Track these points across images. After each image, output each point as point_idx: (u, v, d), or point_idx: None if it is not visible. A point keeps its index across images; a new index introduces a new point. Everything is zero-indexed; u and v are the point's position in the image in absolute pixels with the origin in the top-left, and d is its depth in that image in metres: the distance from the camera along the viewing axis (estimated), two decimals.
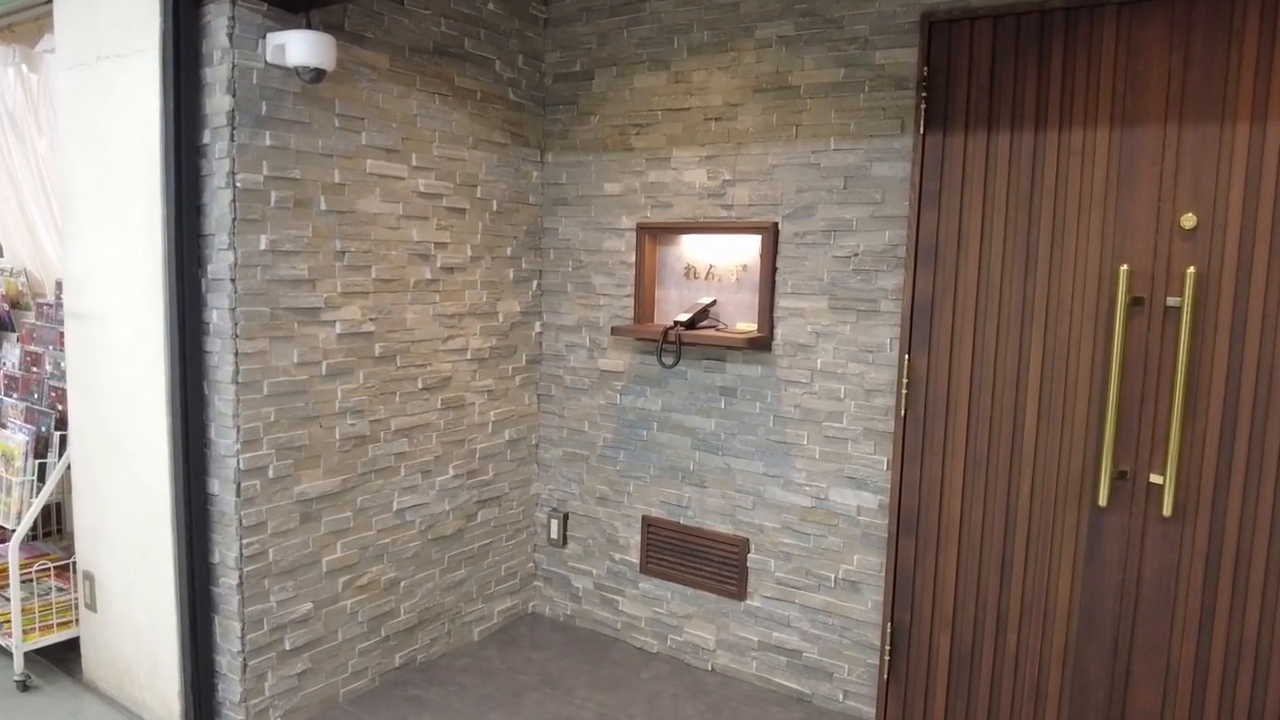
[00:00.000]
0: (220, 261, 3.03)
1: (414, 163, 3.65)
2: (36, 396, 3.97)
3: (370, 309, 3.50)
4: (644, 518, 4.10)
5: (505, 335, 4.14)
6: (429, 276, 3.77)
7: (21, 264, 4.65)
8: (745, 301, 3.78)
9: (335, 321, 3.37)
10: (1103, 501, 3.02)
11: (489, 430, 4.12)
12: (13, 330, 4.54)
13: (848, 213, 3.45)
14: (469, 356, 3.97)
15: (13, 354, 4.27)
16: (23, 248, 4.65)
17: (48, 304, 4.15)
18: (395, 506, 3.71)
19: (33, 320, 4.25)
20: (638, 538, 4.13)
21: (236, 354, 3.05)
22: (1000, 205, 3.16)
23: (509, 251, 4.15)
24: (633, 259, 4.02)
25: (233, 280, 3.01)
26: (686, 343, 3.66)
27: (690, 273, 3.92)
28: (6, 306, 4.59)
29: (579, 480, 4.29)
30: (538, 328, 4.33)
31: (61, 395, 3.80)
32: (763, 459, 3.73)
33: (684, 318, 3.74)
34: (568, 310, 4.24)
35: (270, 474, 3.21)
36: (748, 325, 3.77)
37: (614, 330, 3.84)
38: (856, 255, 3.46)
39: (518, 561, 4.41)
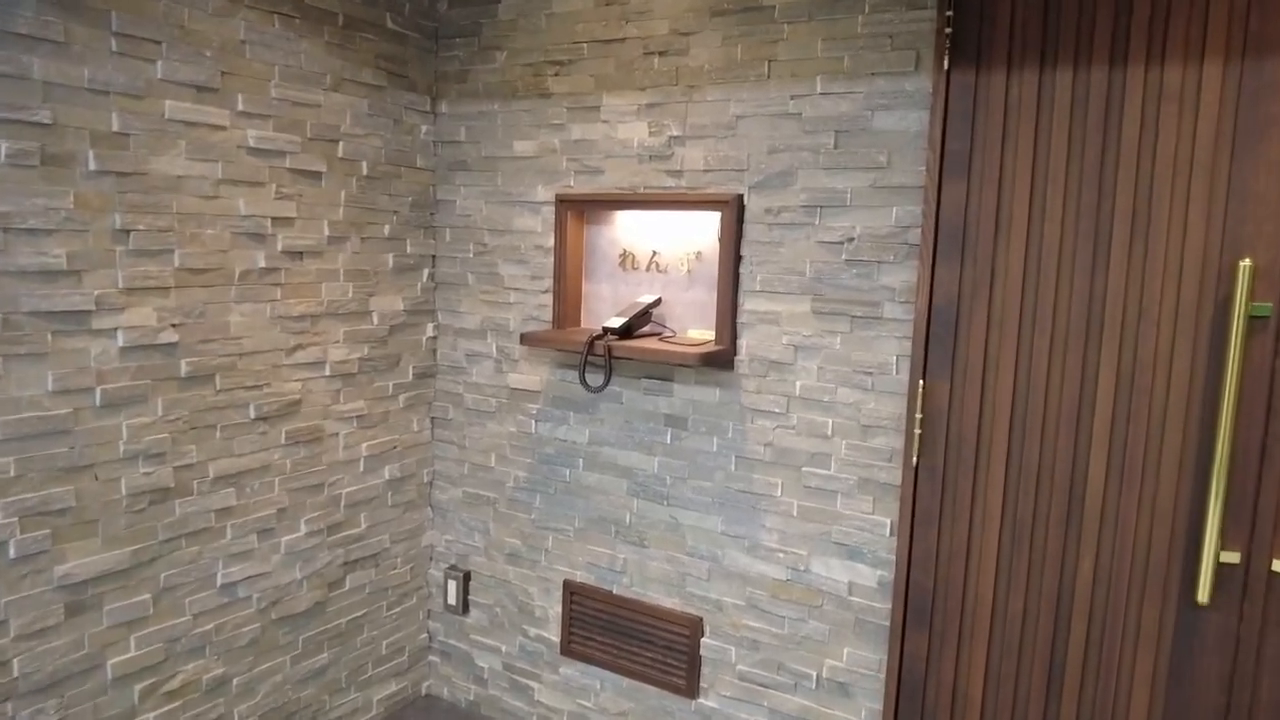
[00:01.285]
0: None
1: (240, 107, 2.67)
2: None
3: (172, 311, 2.52)
4: (566, 583, 3.17)
5: (383, 342, 3.18)
6: (264, 265, 2.79)
7: None
8: (699, 301, 2.87)
9: (116, 330, 2.39)
10: (1202, 596, 2.14)
11: (360, 469, 3.16)
12: None
13: (839, 181, 2.55)
14: (328, 372, 3.01)
15: None
16: None
17: None
18: (220, 581, 2.75)
19: None
20: (558, 608, 3.21)
21: None
22: (1058, 171, 2.26)
23: (387, 230, 3.18)
24: (550, 242, 3.08)
25: None
26: (619, 356, 2.75)
27: (627, 262, 3.00)
28: None
29: (484, 530, 3.34)
30: (430, 331, 3.37)
31: None
32: (721, 513, 2.83)
33: (616, 323, 2.81)
34: (469, 309, 3.27)
35: (10, 552, 2.24)
36: (702, 333, 2.86)
37: (524, 339, 2.91)
38: (851, 241, 2.56)
39: (405, 634, 3.46)
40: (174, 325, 2.53)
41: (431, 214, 3.30)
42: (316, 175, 2.88)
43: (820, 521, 2.65)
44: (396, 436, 3.26)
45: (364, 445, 3.14)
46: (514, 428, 3.20)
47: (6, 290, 2.15)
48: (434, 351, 3.36)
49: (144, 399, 2.46)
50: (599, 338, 2.77)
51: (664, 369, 2.87)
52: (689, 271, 2.87)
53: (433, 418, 3.39)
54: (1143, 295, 2.18)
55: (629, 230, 2.96)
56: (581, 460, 3.07)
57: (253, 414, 2.76)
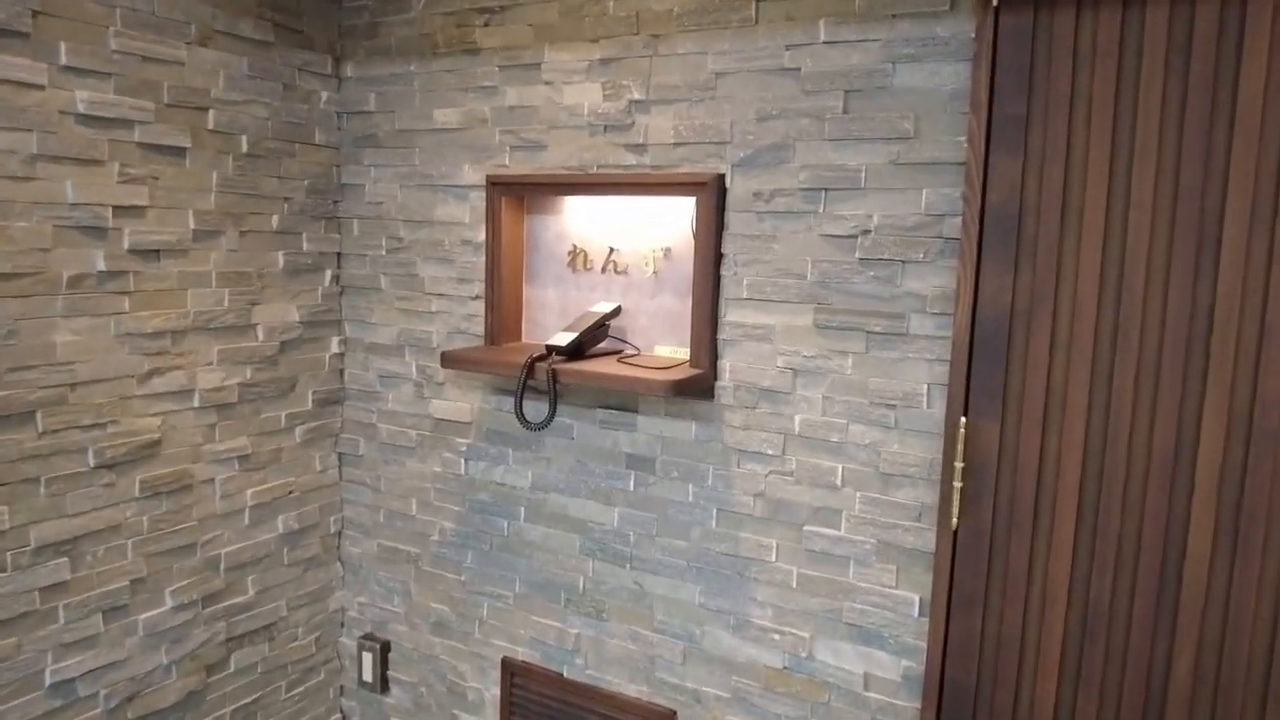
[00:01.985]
0: None
1: (64, 60, 2.03)
2: None
3: None
4: (505, 662, 2.54)
5: (272, 363, 2.53)
6: (104, 268, 2.14)
7: None
8: (669, 310, 2.26)
9: None
10: None
11: (244, 522, 2.51)
12: None
13: (850, 156, 1.95)
14: (197, 402, 2.35)
15: None
16: None
17: None
18: (50, 678, 2.12)
19: None
20: (495, 691, 2.59)
21: None
22: (1148, 142, 1.66)
23: (276, 222, 2.55)
24: (481, 236, 2.45)
25: None
26: (568, 383, 2.16)
27: (578, 261, 2.37)
28: None
29: (404, 593, 2.71)
30: (335, 347, 2.73)
31: None
32: (699, 580, 2.21)
33: (564, 340, 2.21)
34: (382, 319, 2.64)
35: None
36: (673, 351, 2.26)
37: (446, 359, 2.29)
38: (867, 234, 1.98)
39: (312, 718, 2.89)
40: None
41: (335, 201, 2.68)
42: (178, 152, 2.25)
43: (827, 595, 2.08)
44: (293, 479, 2.64)
45: (249, 492, 2.52)
46: (439, 467, 2.60)
47: None
48: (340, 372, 2.74)
49: None
50: (540, 358, 2.17)
51: (625, 396, 2.29)
52: (655, 273, 2.28)
53: (340, 454, 2.77)
54: (1265, 309, 1.63)
55: (580, 221, 2.35)
56: (523, 509, 2.47)
57: (91, 461, 2.13)
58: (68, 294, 2.05)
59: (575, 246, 2.35)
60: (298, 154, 2.53)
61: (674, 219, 2.22)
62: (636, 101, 2.17)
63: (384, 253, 2.59)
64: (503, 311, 2.40)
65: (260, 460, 2.52)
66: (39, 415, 2.01)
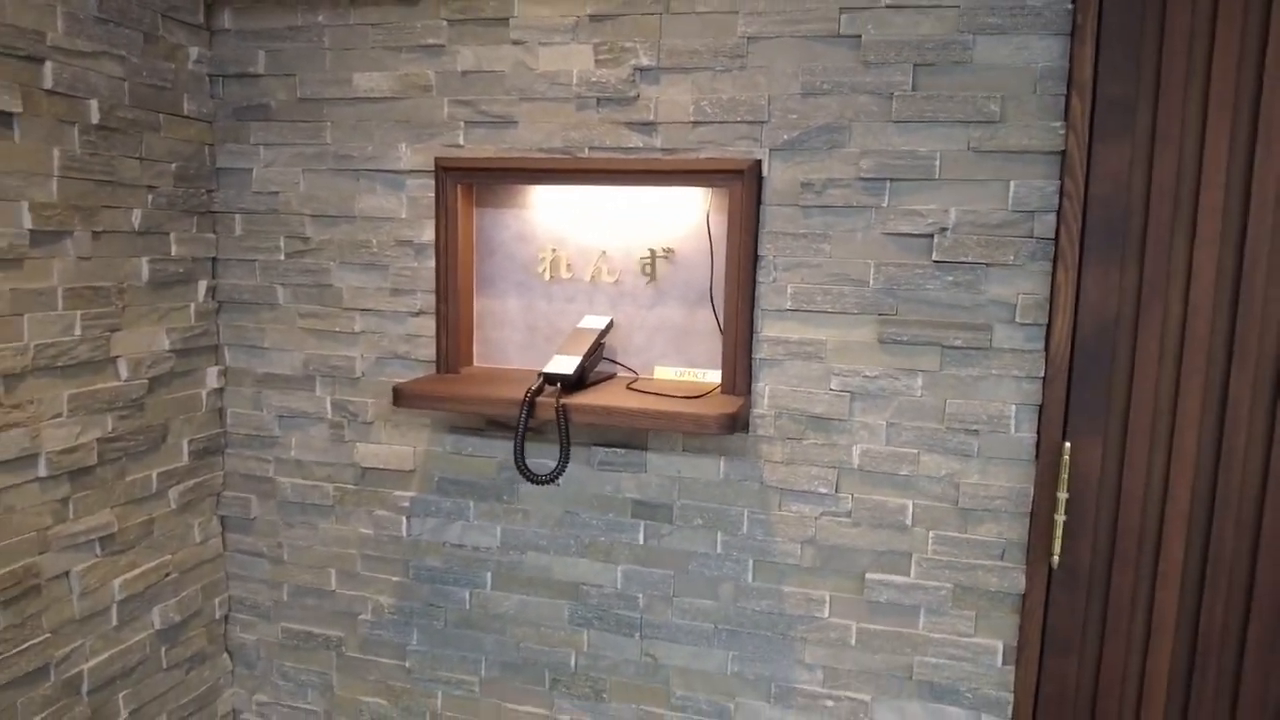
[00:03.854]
0: None
1: None
2: None
3: None
4: None
5: (138, 407, 1.84)
6: None
7: None
8: (670, 323, 1.83)
9: None
10: None
11: (110, 623, 1.82)
12: None
13: (921, 141, 1.62)
14: (43, 471, 1.65)
15: None
16: None
17: None
18: None
19: None
20: None
21: None
22: (1276, 127, 1.49)
23: (138, 219, 1.86)
24: (425, 235, 1.91)
25: None
26: (587, 423, 1.65)
27: (555, 267, 1.88)
28: None
29: (322, 686, 2.10)
30: (213, 380, 2.07)
31: None
32: (731, 645, 1.82)
33: (565, 367, 1.71)
34: (280, 342, 2.01)
35: None
36: (679, 373, 1.83)
37: (401, 396, 1.72)
38: (943, 232, 1.67)
39: None
40: None
41: (209, 191, 2.02)
42: (3, 121, 1.58)
43: (892, 650, 1.77)
44: (169, 556, 1.97)
45: (116, 583, 1.84)
46: (369, 529, 2.03)
47: None
48: (220, 413, 2.09)
49: None
50: (540, 391, 1.70)
51: (628, 432, 1.86)
52: (652, 280, 1.87)
53: (222, 517, 2.15)
54: None
55: (555, 216, 1.87)
56: (490, 575, 1.96)
57: None
58: None
59: (549, 250, 1.89)
60: (163, 127, 1.87)
61: (678, 214, 1.81)
62: (643, 69, 1.75)
63: (281, 257, 1.99)
64: (456, 332, 1.89)
65: (128, 538, 1.85)
66: None
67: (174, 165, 1.90)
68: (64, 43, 1.64)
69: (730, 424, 1.59)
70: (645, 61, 1.74)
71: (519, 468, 1.67)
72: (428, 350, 1.92)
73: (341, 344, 1.98)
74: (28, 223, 1.60)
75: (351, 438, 2.00)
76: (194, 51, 1.94)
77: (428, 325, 1.92)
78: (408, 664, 2.02)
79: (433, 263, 1.90)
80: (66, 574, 1.71)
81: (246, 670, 2.15)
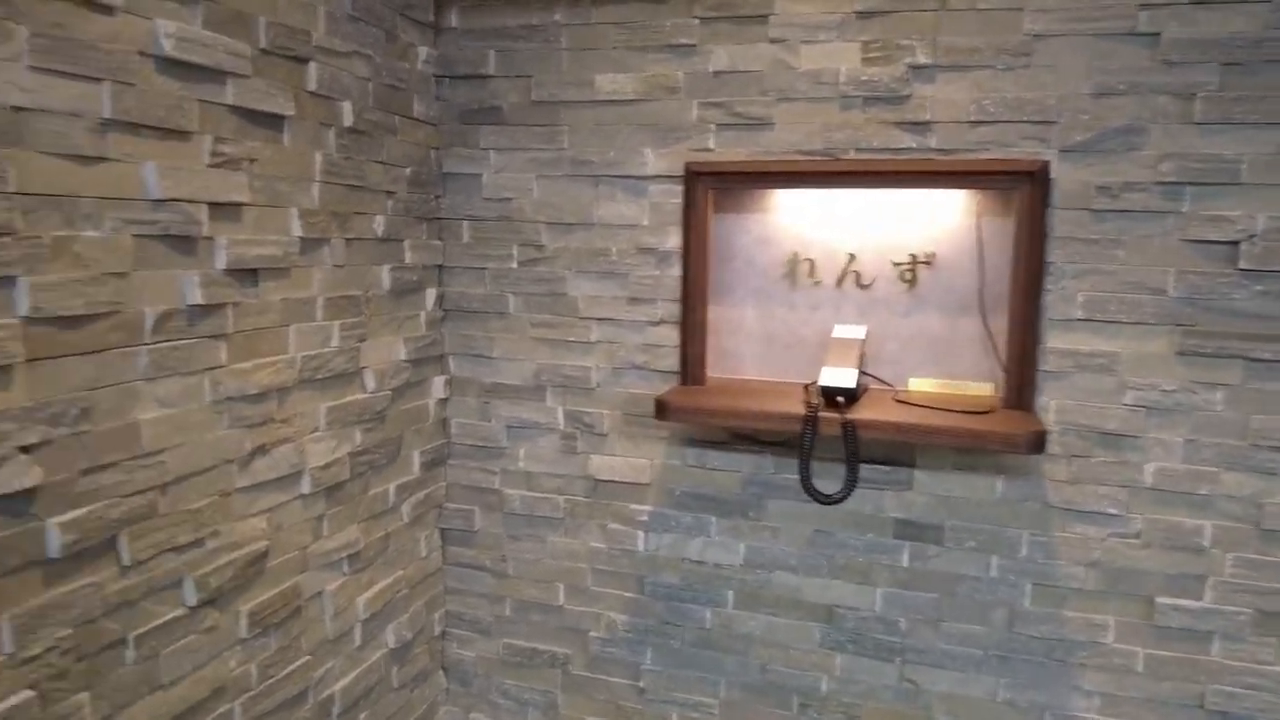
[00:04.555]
0: None
1: None
2: None
3: (21, 417, 1.04)
4: None
5: (380, 419, 1.75)
6: (200, 299, 1.35)
7: None
8: (930, 333, 1.70)
9: None
10: None
11: (355, 643, 1.72)
12: None
13: (1227, 144, 1.47)
14: (307, 488, 1.56)
15: None
16: None
17: None
18: None
19: None
20: None
21: None
22: None
23: (380, 225, 1.79)
24: (669, 242, 1.79)
25: None
26: (866, 435, 1.52)
27: (802, 271, 1.75)
28: None
29: (545, 705, 1.98)
30: (439, 390, 1.99)
31: None
32: (1002, 672, 1.69)
33: (844, 379, 1.57)
34: (509, 351, 1.90)
35: None
36: (939, 385, 1.69)
37: (665, 409, 1.61)
38: (1250, 239, 1.53)
39: None
40: (26, 450, 1.11)
41: (437, 197, 1.95)
42: (275, 123, 1.47)
43: (1183, 678, 1.63)
44: (400, 573, 1.87)
45: (361, 601, 1.75)
46: (601, 542, 1.92)
47: None
48: (444, 423, 2.02)
49: None
50: (820, 407, 1.56)
51: (893, 448, 1.71)
52: (911, 286, 1.75)
53: (443, 530, 2.06)
54: None
55: (800, 220, 1.75)
56: (733, 593, 1.85)
57: (192, 598, 1.33)
58: (153, 343, 1.25)
59: (795, 254, 1.78)
60: (399, 130, 1.78)
61: (938, 217, 1.68)
62: (917, 67, 1.62)
63: (514, 265, 1.88)
64: (700, 340, 1.79)
65: (369, 555, 1.75)
66: (123, 540, 1.22)
67: (408, 170, 1.80)
68: (325, 42, 1.54)
69: (1039, 443, 1.46)
70: (922, 59, 1.61)
71: (806, 488, 1.55)
72: (667, 361, 1.81)
73: (575, 354, 1.87)
74: (297, 230, 1.50)
75: (584, 449, 1.89)
76: (423, 51, 1.83)
77: (668, 335, 1.80)
78: (641, 684, 1.91)
79: (675, 271, 1.78)
80: (320, 594, 1.62)
81: (462, 688, 2.05)
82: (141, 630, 1.25)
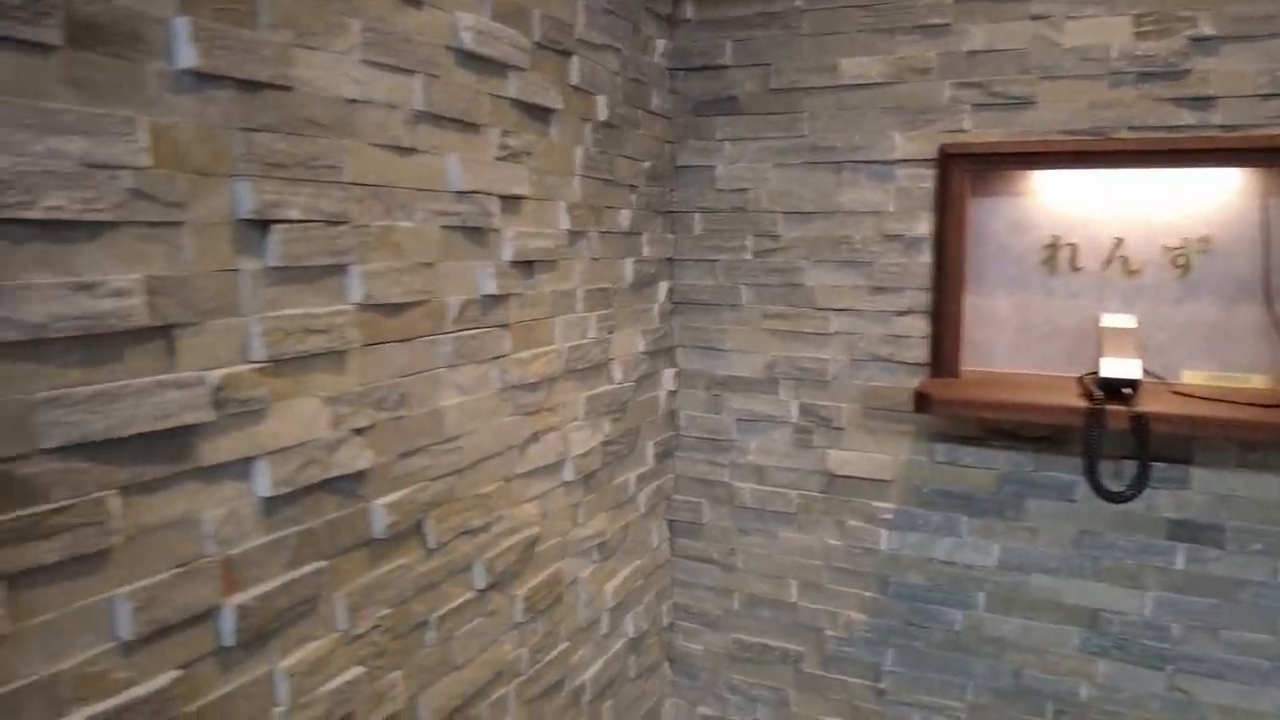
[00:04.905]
0: None
1: None
2: None
3: (354, 401, 1.06)
4: None
5: (623, 411, 1.75)
6: (494, 289, 1.37)
7: None
8: (1205, 321, 1.57)
9: (255, 461, 0.95)
10: None
11: (602, 631, 1.72)
12: None
13: None
14: (570, 474, 1.57)
15: None
16: None
17: None
18: None
19: None
20: None
21: None
22: None
23: (625, 220, 1.77)
24: (918, 228, 1.71)
25: None
26: (1159, 430, 1.42)
27: (1063, 257, 1.64)
28: None
29: (776, 703, 1.93)
30: (668, 383, 1.98)
31: None
32: None
33: (1128, 371, 1.46)
34: (740, 344, 1.87)
35: None
36: (1210, 377, 1.57)
37: (927, 402, 1.53)
38: None
39: None
40: (359, 431, 1.14)
41: (670, 190, 1.95)
42: (545, 116, 1.47)
43: None
44: (637, 563, 1.86)
45: (608, 590, 1.76)
46: (838, 539, 1.86)
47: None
48: (672, 415, 2.02)
49: (300, 610, 1.06)
50: (1104, 402, 1.47)
51: (1168, 443, 1.57)
52: (1184, 272, 1.63)
53: (670, 521, 2.06)
54: None
55: (1060, 203, 1.64)
56: (984, 595, 1.75)
57: (481, 581, 1.35)
58: (455, 331, 1.27)
59: (1055, 238, 1.69)
60: (641, 124, 1.77)
61: (1213, 198, 1.55)
62: (1199, 39, 1.51)
63: (748, 256, 1.85)
64: (954, 330, 1.71)
65: (613, 545, 1.75)
66: (428, 525, 1.24)
67: (647, 164, 1.79)
68: (585, 35, 1.54)
69: None
70: (1206, 30, 1.50)
71: (1094, 485, 1.46)
72: (914, 352, 1.74)
73: (811, 345, 1.82)
74: (565, 223, 1.51)
75: (820, 443, 1.84)
76: (660, 44, 1.82)
77: (915, 325, 1.73)
78: (881, 685, 1.85)
79: (924, 258, 1.71)
80: (575, 581, 1.62)
81: (688, 681, 2.03)
82: (441, 612, 1.26)
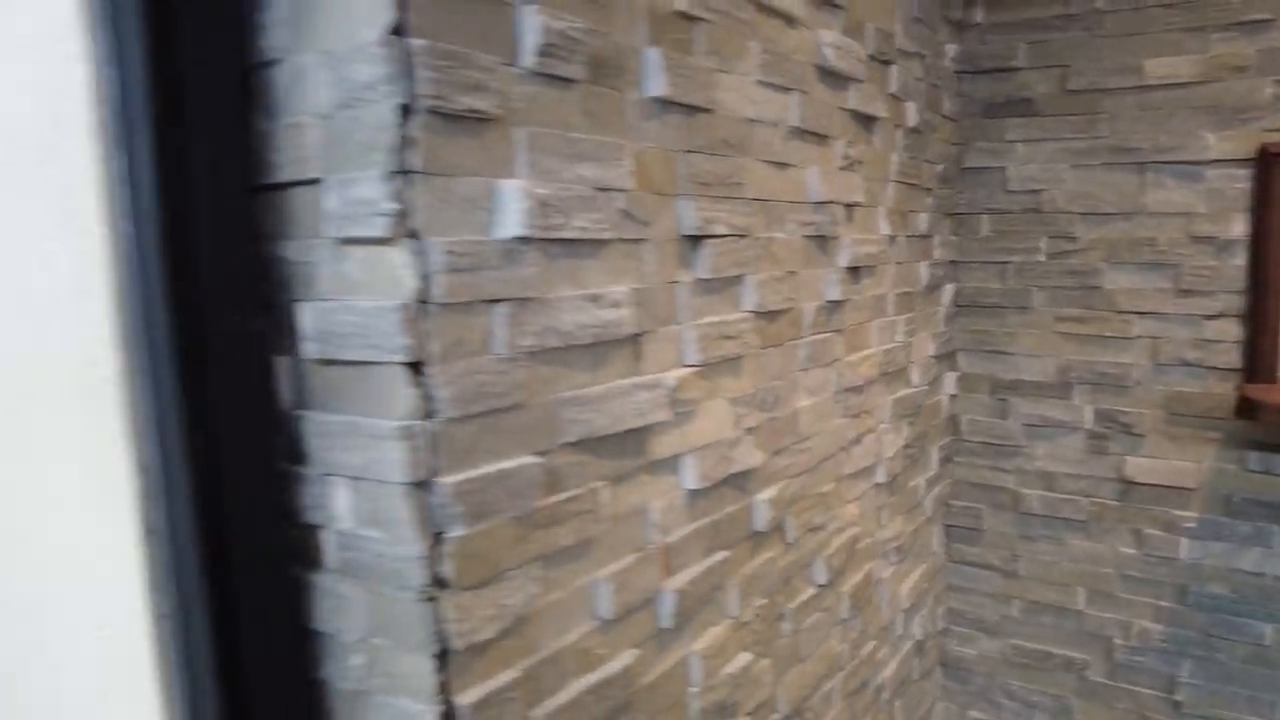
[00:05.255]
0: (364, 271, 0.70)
1: None
2: None
3: (747, 401, 1.14)
4: None
5: (916, 414, 1.75)
6: (836, 295, 1.40)
7: None
8: None
9: (681, 458, 1.04)
10: None
11: (897, 632, 1.73)
12: None
13: None
14: (881, 476, 1.58)
15: None
16: None
17: None
18: None
19: None
20: None
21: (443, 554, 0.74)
22: None
23: (923, 224, 1.78)
24: (1232, 230, 1.63)
25: (417, 313, 0.70)
26: None
27: None
28: None
29: (1057, 712, 1.90)
30: (950, 388, 1.97)
31: None
32: None
33: None
34: (1030, 347, 1.84)
35: None
36: None
37: (1252, 408, 1.51)
38: None
39: None
40: (750, 431, 1.20)
41: (958, 192, 1.95)
42: (870, 124, 1.48)
43: None
44: (923, 567, 1.86)
45: (902, 591, 1.77)
46: (1132, 548, 1.81)
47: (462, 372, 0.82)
48: (953, 420, 2.02)
49: (709, 596, 1.13)
50: None
51: None
52: None
53: (947, 526, 2.06)
54: None
55: None
56: None
57: (821, 576, 1.39)
58: (809, 336, 1.31)
59: None
60: (936, 129, 1.78)
61: None
62: None
63: (1041, 258, 1.83)
64: (1273, 334, 1.65)
65: (906, 547, 1.77)
66: (788, 519, 1.29)
67: (940, 167, 1.80)
68: (902, 44, 1.57)
69: None
70: None
71: None
72: (1225, 357, 1.67)
73: (1111, 349, 1.78)
74: (885, 228, 1.54)
75: (1117, 450, 1.80)
76: (950, 49, 1.83)
77: (1227, 329, 1.67)
78: (1177, 697, 1.79)
79: (1238, 260, 1.65)
80: (879, 581, 1.65)
81: (959, 685, 2.03)
82: (794, 604, 1.32)
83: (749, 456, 1.14)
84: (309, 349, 0.75)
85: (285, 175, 0.74)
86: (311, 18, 0.71)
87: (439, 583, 0.73)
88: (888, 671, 1.70)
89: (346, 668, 0.78)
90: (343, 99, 0.70)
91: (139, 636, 0.76)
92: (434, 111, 0.69)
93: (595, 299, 0.86)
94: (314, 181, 0.73)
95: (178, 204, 0.66)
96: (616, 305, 0.89)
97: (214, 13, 0.69)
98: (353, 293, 0.72)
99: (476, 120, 0.74)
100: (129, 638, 0.77)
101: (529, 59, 0.78)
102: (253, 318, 0.73)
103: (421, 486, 0.72)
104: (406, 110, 0.68)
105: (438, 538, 0.73)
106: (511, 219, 0.76)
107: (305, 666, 0.80)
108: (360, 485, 0.75)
